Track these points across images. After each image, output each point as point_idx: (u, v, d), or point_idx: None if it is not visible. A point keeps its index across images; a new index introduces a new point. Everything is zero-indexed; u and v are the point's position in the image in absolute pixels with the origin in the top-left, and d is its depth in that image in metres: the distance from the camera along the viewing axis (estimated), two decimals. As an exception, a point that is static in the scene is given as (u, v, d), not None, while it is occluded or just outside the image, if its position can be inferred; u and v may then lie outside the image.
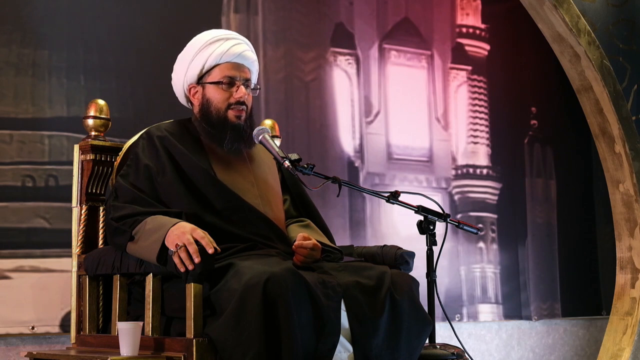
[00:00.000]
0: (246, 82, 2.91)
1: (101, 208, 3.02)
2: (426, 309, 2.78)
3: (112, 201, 2.76)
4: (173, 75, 2.98)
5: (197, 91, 2.92)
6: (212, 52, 2.87)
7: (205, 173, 2.80)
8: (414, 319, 2.68)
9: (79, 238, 2.98)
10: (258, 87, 2.99)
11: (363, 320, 2.57)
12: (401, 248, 2.97)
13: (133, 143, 2.99)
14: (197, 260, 2.46)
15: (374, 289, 2.63)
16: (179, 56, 2.96)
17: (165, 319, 2.67)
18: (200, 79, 2.91)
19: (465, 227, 2.95)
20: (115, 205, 2.73)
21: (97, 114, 3.03)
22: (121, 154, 3.04)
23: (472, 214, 4.77)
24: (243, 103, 2.88)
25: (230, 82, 2.88)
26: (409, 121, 4.60)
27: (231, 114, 2.87)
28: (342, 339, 2.56)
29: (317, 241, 2.79)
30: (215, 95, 2.88)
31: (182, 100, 3.00)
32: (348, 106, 4.40)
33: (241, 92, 2.88)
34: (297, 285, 2.45)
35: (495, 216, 4.86)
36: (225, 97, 2.88)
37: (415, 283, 2.76)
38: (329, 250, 2.87)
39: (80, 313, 2.96)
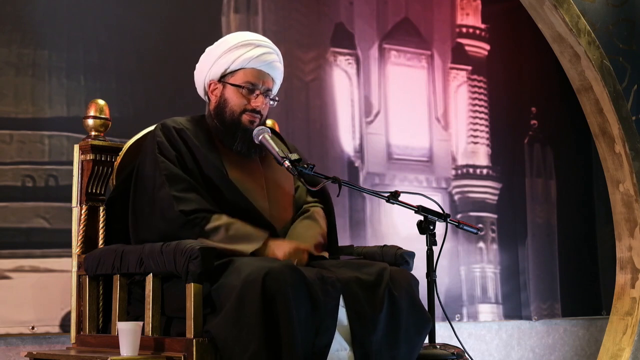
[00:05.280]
0: (267, 92, 2.91)
1: (101, 208, 3.01)
2: (426, 309, 2.78)
3: (169, 190, 2.69)
4: (197, 66, 2.98)
5: (216, 88, 2.92)
6: (241, 54, 2.87)
7: (218, 171, 2.80)
8: (412, 315, 2.69)
9: (79, 238, 2.98)
10: (277, 99, 2.98)
11: (362, 316, 2.58)
12: (401, 248, 2.97)
13: (147, 134, 2.97)
14: None
15: (373, 284, 2.64)
16: (208, 49, 2.96)
17: (165, 319, 2.66)
18: (223, 77, 2.90)
19: (465, 227, 2.95)
20: (178, 197, 2.68)
21: (97, 114, 3.03)
22: (121, 154, 3.03)
23: (472, 214, 4.77)
24: (259, 112, 2.89)
25: (251, 89, 2.88)
26: (409, 121, 4.60)
27: (245, 118, 2.88)
28: (341, 336, 2.56)
29: (309, 252, 2.79)
30: (233, 97, 2.88)
31: (200, 92, 3.00)
32: (348, 106, 4.40)
33: (259, 101, 2.88)
34: (295, 281, 2.46)
35: (495, 216, 4.86)
36: (243, 103, 2.88)
37: (414, 280, 2.76)
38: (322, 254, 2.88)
39: (80, 313, 2.96)
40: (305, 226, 2.93)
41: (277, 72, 2.95)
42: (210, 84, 2.93)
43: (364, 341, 2.57)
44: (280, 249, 2.70)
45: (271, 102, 2.95)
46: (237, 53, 2.87)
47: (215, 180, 2.79)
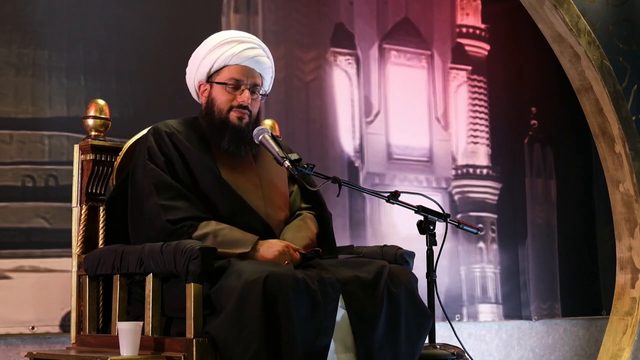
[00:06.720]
0: (254, 87, 2.90)
1: (101, 208, 3.01)
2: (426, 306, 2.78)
3: (157, 200, 2.70)
4: (187, 69, 2.99)
5: (205, 89, 2.93)
6: (223, 52, 2.87)
7: (211, 172, 2.80)
8: (412, 312, 2.69)
9: (79, 238, 2.98)
10: (266, 94, 2.98)
11: (363, 316, 2.58)
12: (401, 248, 2.97)
13: (142, 138, 2.97)
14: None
15: (372, 283, 2.64)
16: (194, 52, 2.97)
17: (165, 319, 2.66)
18: (210, 78, 2.91)
19: (465, 227, 2.95)
20: (165, 205, 2.69)
21: (97, 114, 3.03)
22: (121, 154, 3.04)
23: (472, 214, 4.77)
24: (246, 107, 2.88)
25: (236, 85, 2.88)
26: (409, 121, 4.60)
27: (233, 115, 2.87)
28: (342, 337, 2.56)
29: (300, 253, 2.78)
30: (219, 95, 2.89)
31: (193, 94, 3.01)
32: (348, 106, 4.40)
33: (244, 96, 2.87)
34: (296, 284, 2.46)
35: (495, 216, 4.86)
36: (229, 99, 2.88)
37: (413, 277, 2.76)
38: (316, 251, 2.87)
39: (80, 313, 2.96)
40: (295, 228, 2.93)
41: (263, 67, 2.93)
42: (199, 86, 2.95)
43: (366, 341, 2.57)
44: (269, 251, 2.70)
45: (259, 98, 2.93)
46: (220, 51, 2.88)
47: (208, 181, 2.79)
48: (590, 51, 4.84)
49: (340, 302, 2.58)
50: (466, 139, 4.80)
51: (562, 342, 5.08)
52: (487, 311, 4.76)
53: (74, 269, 2.98)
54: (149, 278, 2.65)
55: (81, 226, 3.00)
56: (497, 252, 4.84)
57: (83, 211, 3.00)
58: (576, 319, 5.13)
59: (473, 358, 2.90)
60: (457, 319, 4.63)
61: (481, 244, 4.79)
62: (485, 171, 4.86)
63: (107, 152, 3.03)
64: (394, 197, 2.84)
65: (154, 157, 2.79)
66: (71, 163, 3.07)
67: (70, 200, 3.06)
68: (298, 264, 2.73)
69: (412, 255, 2.96)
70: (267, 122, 3.36)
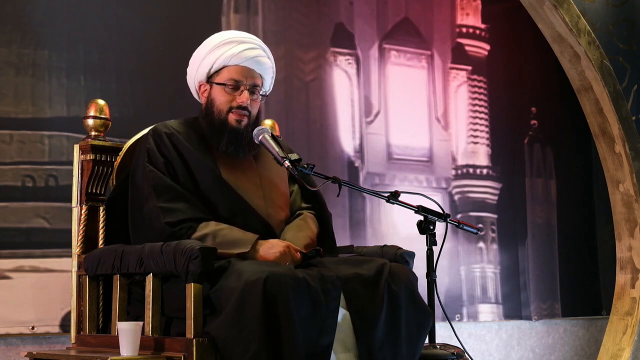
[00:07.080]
0: (253, 87, 2.89)
1: (101, 208, 3.01)
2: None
3: (156, 202, 2.70)
4: (187, 69, 2.99)
5: (205, 89, 2.92)
6: (222, 53, 2.87)
7: (211, 172, 2.80)
8: (412, 310, 2.69)
9: (79, 238, 2.98)
10: (266, 94, 2.97)
11: (364, 314, 2.58)
12: (401, 248, 2.97)
13: (142, 139, 2.97)
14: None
15: (373, 280, 2.64)
16: (194, 52, 2.97)
17: (165, 319, 2.66)
18: (210, 78, 2.91)
19: (465, 227, 2.95)
20: (164, 208, 2.69)
21: (97, 114, 3.03)
22: (121, 154, 3.04)
23: (472, 214, 4.77)
24: (245, 108, 2.87)
25: (235, 86, 2.87)
26: (409, 121, 4.60)
27: (232, 117, 2.87)
28: (343, 336, 2.56)
29: (301, 252, 2.78)
30: (219, 96, 2.88)
31: (194, 95, 3.01)
32: (348, 106, 4.40)
33: (244, 97, 2.87)
34: (296, 283, 2.46)
35: (495, 216, 4.86)
36: (228, 100, 2.87)
37: (413, 276, 2.76)
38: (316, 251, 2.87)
39: (80, 313, 2.96)
40: (295, 227, 2.93)
41: (263, 67, 2.93)
42: (200, 86, 2.94)
43: (367, 339, 2.57)
44: (270, 252, 2.69)
45: (260, 98, 2.92)
46: (219, 52, 2.88)
47: (208, 181, 2.79)
48: (590, 51, 4.85)
49: (342, 301, 2.58)
50: (466, 139, 4.80)
51: (562, 342, 5.08)
52: (487, 311, 4.76)
53: (74, 269, 2.98)
54: (149, 278, 2.65)
55: (81, 226, 3.00)
56: (497, 252, 4.84)
57: (83, 211, 3.00)
58: (576, 319, 5.13)
59: (473, 358, 2.90)
60: (457, 319, 4.63)
61: (481, 244, 4.79)
62: (485, 171, 4.86)
63: (107, 152, 3.03)
64: (394, 197, 2.84)
65: (153, 158, 2.79)
66: (71, 163, 3.07)
67: (70, 200, 3.06)
68: (299, 264, 2.73)
69: (412, 255, 2.96)
70: (267, 122, 3.36)
